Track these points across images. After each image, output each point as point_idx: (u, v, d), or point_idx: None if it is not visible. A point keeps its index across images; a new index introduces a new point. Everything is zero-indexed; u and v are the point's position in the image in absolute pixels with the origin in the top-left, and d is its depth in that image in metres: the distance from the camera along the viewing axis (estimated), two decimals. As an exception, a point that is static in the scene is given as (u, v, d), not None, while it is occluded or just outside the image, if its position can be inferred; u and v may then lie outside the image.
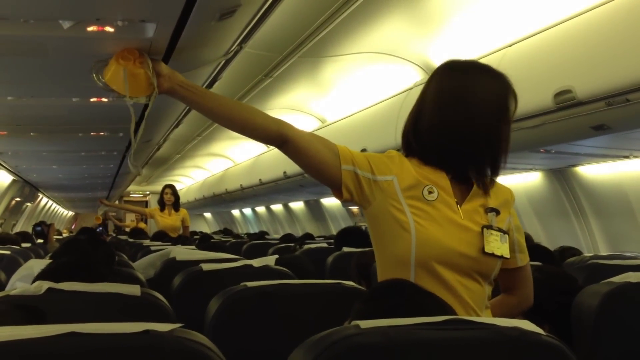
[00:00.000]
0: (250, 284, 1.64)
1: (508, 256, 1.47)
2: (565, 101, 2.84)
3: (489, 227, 1.45)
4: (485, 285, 1.48)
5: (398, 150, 1.58)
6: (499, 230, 1.46)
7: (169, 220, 6.50)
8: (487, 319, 0.96)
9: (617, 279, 1.74)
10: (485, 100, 1.45)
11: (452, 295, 1.41)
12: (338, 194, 1.51)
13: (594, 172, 4.41)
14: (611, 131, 2.95)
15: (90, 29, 1.67)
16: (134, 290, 1.53)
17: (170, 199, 6.47)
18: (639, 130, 2.99)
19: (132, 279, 2.16)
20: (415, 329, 0.92)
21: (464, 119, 1.44)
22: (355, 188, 1.47)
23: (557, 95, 2.85)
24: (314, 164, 1.49)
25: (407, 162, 1.50)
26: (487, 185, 1.50)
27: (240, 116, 1.55)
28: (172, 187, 6.61)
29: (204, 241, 5.60)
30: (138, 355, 0.88)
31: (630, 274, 1.75)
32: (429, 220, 1.43)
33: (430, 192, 1.45)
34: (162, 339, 0.88)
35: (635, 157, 3.87)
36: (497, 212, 1.49)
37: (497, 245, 1.44)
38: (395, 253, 1.46)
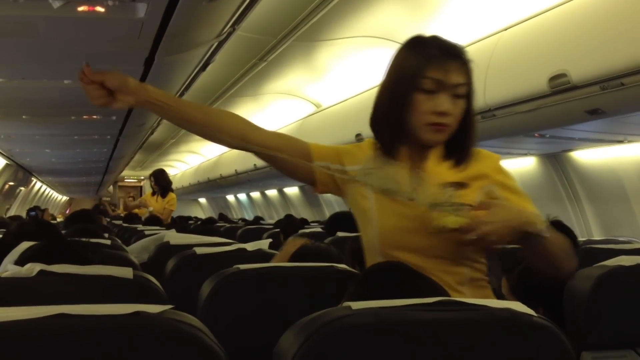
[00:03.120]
0: (243, 266, 1.64)
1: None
2: (560, 85, 2.83)
3: (436, 204, 1.38)
4: (464, 263, 1.47)
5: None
6: (452, 204, 1.37)
7: (156, 205, 6.67)
8: (479, 300, 0.96)
9: (610, 262, 1.74)
10: (398, 73, 1.48)
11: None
12: (315, 188, 1.59)
13: (589, 157, 4.41)
14: (606, 115, 2.95)
15: (80, 8, 1.65)
16: (126, 272, 1.52)
17: (154, 187, 6.64)
18: (633, 114, 2.99)
19: (125, 262, 2.15)
20: (406, 310, 0.92)
21: (380, 94, 1.53)
22: (329, 181, 1.57)
23: (552, 79, 2.84)
24: (285, 169, 1.60)
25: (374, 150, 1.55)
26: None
27: (207, 124, 1.59)
28: (155, 175, 6.72)
29: (207, 223, 5.61)
30: (128, 337, 0.87)
31: (623, 257, 1.76)
32: (388, 208, 1.47)
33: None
34: (152, 321, 0.88)
35: (629, 141, 3.87)
36: (461, 185, 1.43)
37: (452, 219, 1.35)
38: (366, 240, 1.55)
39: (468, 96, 1.47)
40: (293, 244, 2.14)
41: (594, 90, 2.74)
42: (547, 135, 3.67)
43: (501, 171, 1.53)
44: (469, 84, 1.46)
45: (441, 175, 1.46)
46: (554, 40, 2.99)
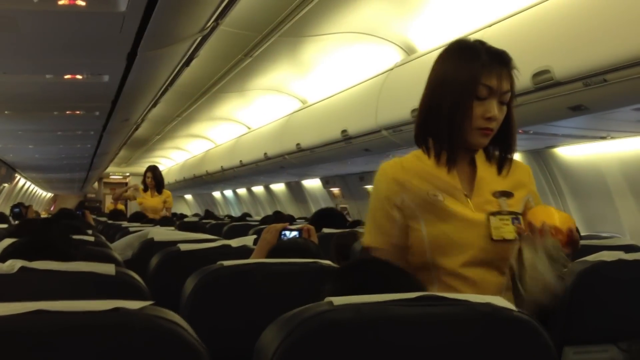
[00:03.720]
0: (226, 263, 1.63)
1: None
2: (543, 81, 2.85)
3: (496, 213, 1.48)
4: (506, 272, 1.51)
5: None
6: (509, 213, 1.49)
7: (151, 201, 6.58)
8: (459, 295, 0.97)
9: (592, 257, 1.76)
10: (453, 81, 1.49)
11: (472, 287, 1.47)
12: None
13: (572, 153, 4.45)
14: (588, 112, 2.97)
15: (61, 2, 1.63)
16: (108, 269, 1.51)
17: (150, 182, 6.52)
18: (616, 110, 3.01)
19: (108, 259, 2.14)
20: (387, 305, 0.92)
21: (432, 103, 1.53)
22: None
23: (536, 75, 2.86)
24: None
25: (402, 174, 1.53)
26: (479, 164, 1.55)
27: None
28: (153, 170, 6.63)
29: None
30: (107, 333, 0.86)
31: (605, 252, 1.77)
32: (436, 219, 1.49)
33: (434, 196, 1.50)
34: (132, 317, 0.87)
35: (612, 138, 3.90)
36: (509, 195, 1.52)
37: (509, 229, 1.47)
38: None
39: (510, 102, 1.52)
40: (269, 231, 2.13)
41: (577, 87, 2.76)
42: (531, 132, 3.69)
43: (533, 182, 1.62)
44: (512, 90, 1.51)
45: (491, 183, 1.52)
46: (537, 36, 3.00)
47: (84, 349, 0.85)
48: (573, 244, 1.44)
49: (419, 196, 1.50)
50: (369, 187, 7.31)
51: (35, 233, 2.16)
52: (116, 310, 0.87)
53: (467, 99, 1.47)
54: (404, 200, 1.50)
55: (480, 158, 1.57)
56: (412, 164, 1.55)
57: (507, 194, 1.52)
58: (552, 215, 1.45)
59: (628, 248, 2.16)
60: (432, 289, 1.47)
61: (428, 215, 1.49)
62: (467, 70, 1.47)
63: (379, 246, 1.54)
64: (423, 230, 1.48)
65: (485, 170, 1.56)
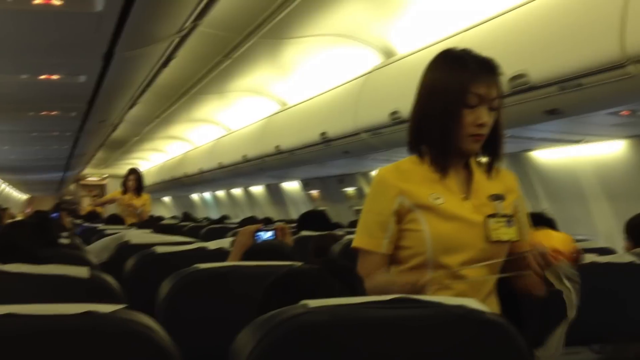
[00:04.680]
0: (202, 265, 1.62)
1: (517, 238, 1.57)
2: (519, 85, 2.87)
3: (493, 215, 1.55)
4: (497, 273, 1.57)
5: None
6: (504, 216, 1.56)
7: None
8: (433, 297, 0.97)
9: (566, 260, 1.77)
10: (444, 90, 1.55)
11: (471, 288, 1.53)
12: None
13: (548, 156, 4.49)
14: (564, 115, 3.00)
15: (36, 1, 1.61)
16: (82, 272, 1.50)
17: (132, 185, 6.48)
18: (590, 114, 3.05)
19: (83, 262, 2.11)
20: (362, 308, 0.92)
21: (423, 112, 1.59)
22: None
23: (512, 79, 2.88)
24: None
25: (401, 178, 1.58)
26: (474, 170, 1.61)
27: None
28: (136, 172, 6.58)
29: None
30: (79, 337, 0.85)
31: (579, 255, 1.79)
32: (438, 220, 1.54)
33: (436, 198, 1.55)
34: (103, 320, 0.86)
35: (587, 142, 3.95)
36: (502, 199, 1.59)
37: (504, 230, 1.54)
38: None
39: (499, 108, 1.57)
40: (244, 233, 2.13)
41: (553, 91, 2.78)
42: (508, 135, 3.70)
43: (519, 187, 1.69)
44: (501, 97, 1.57)
45: (486, 187, 1.59)
46: (514, 41, 3.03)
47: (55, 353, 0.84)
48: (576, 262, 1.48)
49: (420, 199, 1.55)
50: (348, 189, 7.32)
51: (1, 236, 2.13)
52: (87, 313, 0.86)
53: (458, 107, 1.52)
54: (403, 204, 1.55)
55: (474, 162, 1.63)
56: (410, 169, 1.61)
57: (500, 198, 1.59)
58: (551, 238, 1.49)
59: (602, 251, 2.19)
60: (429, 289, 1.51)
61: (430, 217, 1.54)
62: (457, 79, 1.53)
63: (367, 248, 1.59)
64: (425, 231, 1.53)
65: (479, 175, 1.62)
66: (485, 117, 1.52)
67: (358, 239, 1.61)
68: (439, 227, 1.53)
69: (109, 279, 1.56)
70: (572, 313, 1.42)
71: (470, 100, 1.51)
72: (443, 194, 1.56)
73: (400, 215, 1.56)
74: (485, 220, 1.54)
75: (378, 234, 1.57)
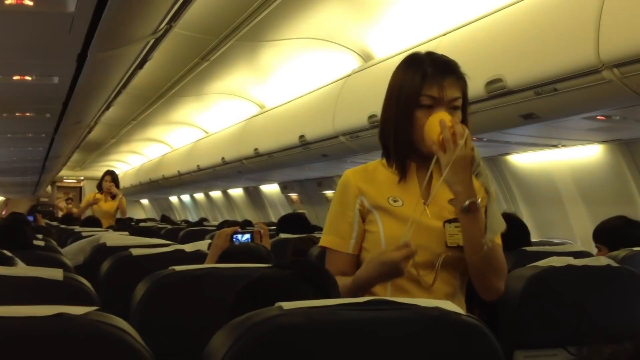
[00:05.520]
0: (178, 268, 1.61)
1: None
2: (496, 90, 2.90)
3: (451, 220, 1.53)
4: (458, 277, 1.57)
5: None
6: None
7: (105, 206, 6.55)
8: (408, 299, 0.97)
9: (542, 263, 1.79)
10: (399, 93, 1.56)
11: (426, 291, 1.51)
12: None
13: (524, 160, 4.53)
14: (540, 120, 3.03)
15: (8, 1, 1.58)
16: (56, 274, 1.48)
17: (109, 186, 6.47)
18: (566, 119, 3.08)
19: (57, 264, 2.08)
20: (337, 310, 0.92)
21: (384, 114, 1.61)
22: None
23: (489, 84, 2.91)
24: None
25: (364, 179, 1.60)
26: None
27: None
28: (112, 174, 6.57)
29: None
30: (49, 340, 0.84)
31: (554, 258, 1.81)
32: (394, 222, 1.53)
33: (395, 201, 1.55)
34: (75, 322, 0.85)
35: (563, 146, 3.99)
36: None
37: (461, 236, 1.51)
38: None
39: (463, 108, 1.56)
40: (220, 235, 2.12)
41: (529, 95, 2.81)
42: (485, 139, 3.75)
43: (485, 188, 1.64)
44: (463, 97, 1.56)
45: (447, 191, 1.53)
46: (491, 45, 3.06)
47: (25, 355, 0.82)
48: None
49: (378, 200, 1.56)
50: (327, 192, 7.32)
51: None
52: (59, 316, 0.85)
53: (410, 110, 1.53)
54: (363, 204, 1.57)
55: (435, 167, 1.58)
56: (376, 170, 1.63)
57: None
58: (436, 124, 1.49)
59: (578, 254, 2.21)
60: (384, 292, 1.51)
61: (386, 219, 1.54)
62: (409, 81, 1.54)
63: (334, 247, 1.59)
64: (381, 233, 1.53)
65: (439, 179, 1.58)
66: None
67: (324, 238, 1.63)
68: (394, 230, 1.52)
69: (84, 281, 1.54)
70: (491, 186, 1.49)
71: (423, 102, 1.51)
72: (403, 197, 1.56)
73: (363, 216, 1.58)
74: (444, 225, 1.53)
75: (344, 234, 1.59)
